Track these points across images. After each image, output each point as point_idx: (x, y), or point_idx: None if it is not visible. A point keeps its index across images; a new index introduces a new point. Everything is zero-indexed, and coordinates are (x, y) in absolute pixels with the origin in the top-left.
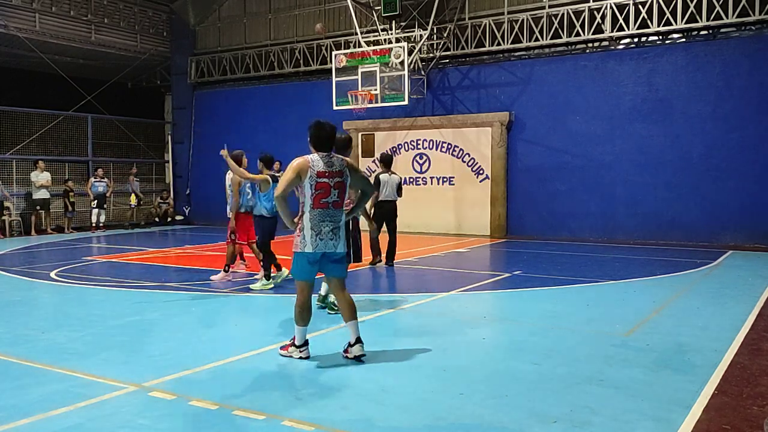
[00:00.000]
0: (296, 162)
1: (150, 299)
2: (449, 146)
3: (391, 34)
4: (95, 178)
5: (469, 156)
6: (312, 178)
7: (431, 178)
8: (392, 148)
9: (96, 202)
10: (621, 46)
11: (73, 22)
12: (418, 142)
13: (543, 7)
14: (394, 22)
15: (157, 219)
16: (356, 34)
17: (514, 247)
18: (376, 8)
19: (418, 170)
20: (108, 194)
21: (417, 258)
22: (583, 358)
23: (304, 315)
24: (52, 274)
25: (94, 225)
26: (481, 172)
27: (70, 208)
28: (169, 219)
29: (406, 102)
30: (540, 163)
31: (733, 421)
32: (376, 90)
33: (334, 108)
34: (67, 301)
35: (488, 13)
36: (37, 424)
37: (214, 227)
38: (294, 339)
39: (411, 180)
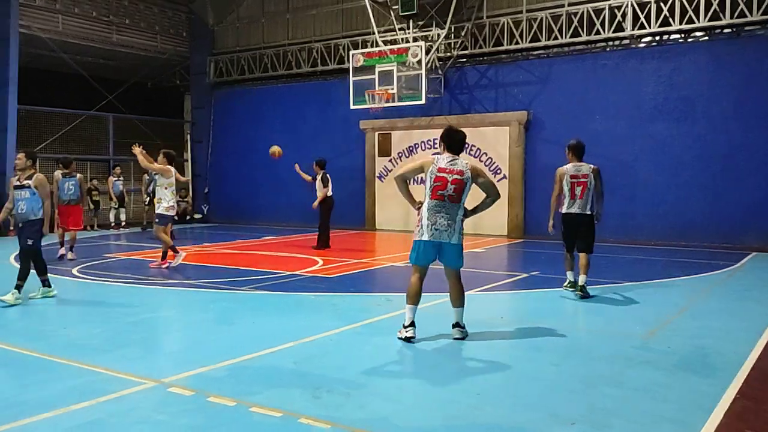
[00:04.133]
0: (425, 157)
1: (169, 296)
2: (466, 145)
3: (409, 33)
4: (114, 177)
5: (486, 155)
6: (432, 172)
7: None
8: (409, 147)
9: (116, 200)
10: (642, 45)
11: (95, 23)
12: (435, 141)
13: (562, 6)
14: (411, 21)
15: (176, 218)
16: (374, 33)
17: (531, 248)
18: (394, 7)
19: None
20: (122, 188)
21: None
22: (603, 360)
23: (411, 294)
24: (74, 271)
25: (114, 224)
26: (498, 171)
27: (93, 206)
28: (187, 217)
29: (423, 101)
30: (558, 162)
31: (754, 425)
32: (393, 89)
33: (352, 107)
34: (88, 297)
35: (507, 11)
36: (58, 419)
37: (232, 225)
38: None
39: None
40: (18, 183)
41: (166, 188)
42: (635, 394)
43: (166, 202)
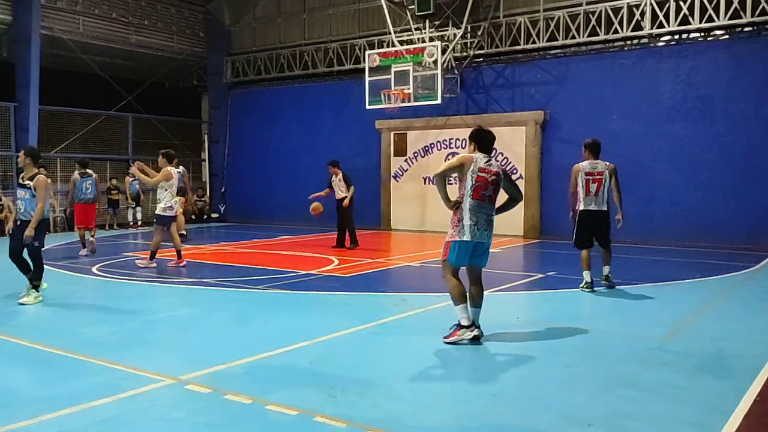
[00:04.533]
0: (463, 155)
1: (186, 295)
2: None
3: (425, 33)
4: (130, 177)
5: (502, 155)
6: (474, 171)
7: None
8: (424, 147)
9: (132, 200)
10: (661, 44)
11: (114, 24)
12: (451, 141)
13: (580, 4)
14: (427, 20)
15: (193, 216)
16: (390, 33)
17: (548, 248)
18: (410, 7)
19: None
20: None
21: None
22: (620, 361)
23: (459, 294)
24: (94, 269)
25: (132, 223)
26: (514, 171)
27: (118, 204)
28: (204, 216)
29: (439, 101)
30: (575, 162)
31: None
32: (409, 89)
33: (367, 107)
34: (107, 295)
35: (523, 10)
36: (78, 415)
37: (249, 225)
38: (459, 323)
39: None
40: (20, 182)
41: (165, 190)
42: (653, 396)
43: (164, 203)
